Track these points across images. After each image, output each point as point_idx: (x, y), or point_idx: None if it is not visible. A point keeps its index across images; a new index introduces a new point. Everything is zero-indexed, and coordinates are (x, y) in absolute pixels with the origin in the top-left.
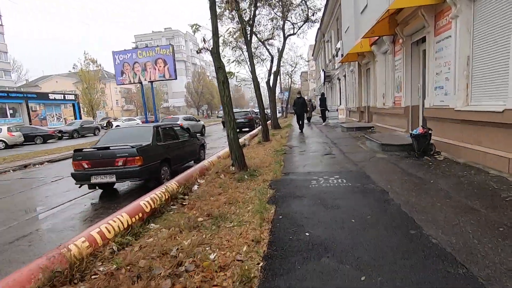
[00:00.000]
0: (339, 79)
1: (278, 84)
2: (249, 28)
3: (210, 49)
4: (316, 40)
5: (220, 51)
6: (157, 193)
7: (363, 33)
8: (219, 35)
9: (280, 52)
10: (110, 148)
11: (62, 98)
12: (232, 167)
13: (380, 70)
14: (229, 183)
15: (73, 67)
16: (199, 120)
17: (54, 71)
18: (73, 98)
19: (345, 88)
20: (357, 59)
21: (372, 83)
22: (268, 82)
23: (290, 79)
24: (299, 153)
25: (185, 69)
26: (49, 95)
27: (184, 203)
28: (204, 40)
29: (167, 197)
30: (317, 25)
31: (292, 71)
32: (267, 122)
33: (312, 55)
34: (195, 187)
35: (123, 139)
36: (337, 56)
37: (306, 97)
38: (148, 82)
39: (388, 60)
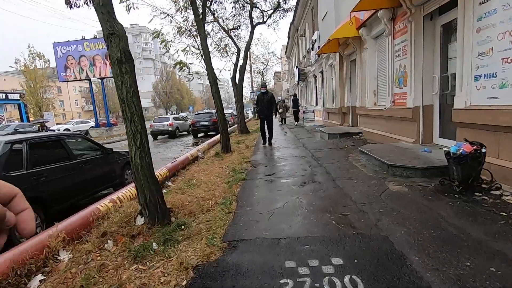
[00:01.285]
0: (315, 76)
1: (249, 84)
2: (201, 4)
3: None
4: (288, 36)
5: (176, 40)
6: None
7: (345, 16)
8: (168, 16)
9: (248, 43)
10: None
11: (4, 97)
12: (140, 218)
13: (370, 60)
14: (112, 269)
15: (15, 62)
16: (187, 120)
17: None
18: (18, 98)
19: (322, 86)
20: (338, 50)
21: (358, 77)
22: (233, 78)
23: (262, 78)
24: (266, 179)
25: (153, 68)
26: None
27: None
28: None
29: None
30: (290, 14)
31: (264, 69)
32: (230, 127)
33: (285, 54)
34: (36, 280)
35: None
36: (312, 50)
37: (279, 97)
38: (98, 79)
39: (384, 45)
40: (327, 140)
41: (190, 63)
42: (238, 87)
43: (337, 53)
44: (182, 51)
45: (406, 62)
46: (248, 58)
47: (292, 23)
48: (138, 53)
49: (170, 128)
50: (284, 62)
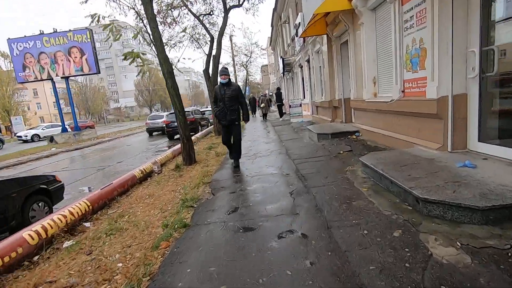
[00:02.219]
0: (301, 66)
1: (232, 78)
2: None
3: None
4: (272, 25)
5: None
6: None
7: None
8: None
9: (221, 29)
10: None
11: None
12: None
13: (368, 39)
14: None
15: None
16: None
17: None
18: None
19: (310, 77)
20: (325, 31)
21: (352, 63)
22: (206, 71)
23: (246, 71)
24: (220, 225)
25: (136, 65)
26: None
27: None
28: None
29: None
30: None
31: (247, 61)
32: (209, 127)
33: (270, 44)
34: None
35: None
36: (297, 36)
37: (267, 91)
38: (62, 78)
39: (387, 16)
40: (317, 142)
41: (143, 53)
42: (212, 81)
43: (325, 36)
44: (133, 37)
45: (424, 34)
46: (231, 50)
47: (274, 9)
48: (119, 50)
49: (164, 125)
50: (270, 54)
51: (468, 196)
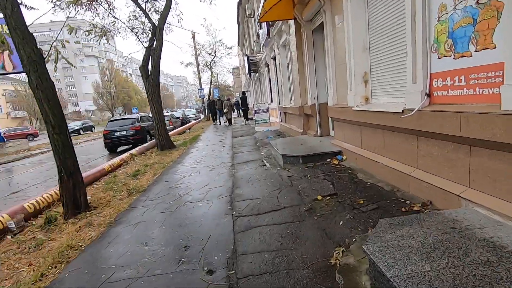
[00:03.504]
0: (268, 65)
1: (195, 78)
2: None
3: None
4: (238, 23)
5: None
6: None
7: None
8: None
9: (163, 14)
10: None
11: None
12: None
13: (354, 16)
14: None
15: None
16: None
17: None
18: None
19: (276, 77)
20: (292, 14)
21: (329, 54)
22: (144, 67)
23: (210, 72)
24: None
25: (98, 67)
26: None
27: None
28: None
29: None
30: None
31: (211, 61)
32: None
33: (238, 45)
34: None
35: None
36: (261, 28)
37: (238, 95)
38: None
39: None
40: (282, 169)
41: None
42: (152, 81)
43: (292, 22)
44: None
45: None
46: (194, 49)
47: (239, 3)
48: (78, 50)
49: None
50: (240, 54)
51: None
